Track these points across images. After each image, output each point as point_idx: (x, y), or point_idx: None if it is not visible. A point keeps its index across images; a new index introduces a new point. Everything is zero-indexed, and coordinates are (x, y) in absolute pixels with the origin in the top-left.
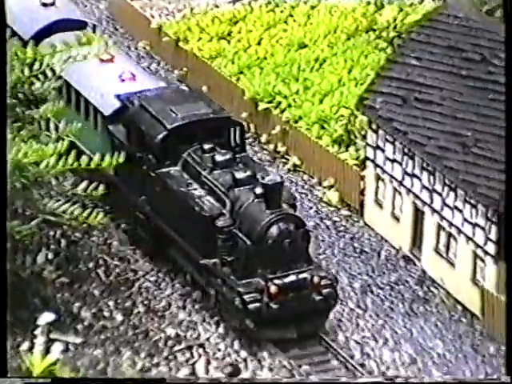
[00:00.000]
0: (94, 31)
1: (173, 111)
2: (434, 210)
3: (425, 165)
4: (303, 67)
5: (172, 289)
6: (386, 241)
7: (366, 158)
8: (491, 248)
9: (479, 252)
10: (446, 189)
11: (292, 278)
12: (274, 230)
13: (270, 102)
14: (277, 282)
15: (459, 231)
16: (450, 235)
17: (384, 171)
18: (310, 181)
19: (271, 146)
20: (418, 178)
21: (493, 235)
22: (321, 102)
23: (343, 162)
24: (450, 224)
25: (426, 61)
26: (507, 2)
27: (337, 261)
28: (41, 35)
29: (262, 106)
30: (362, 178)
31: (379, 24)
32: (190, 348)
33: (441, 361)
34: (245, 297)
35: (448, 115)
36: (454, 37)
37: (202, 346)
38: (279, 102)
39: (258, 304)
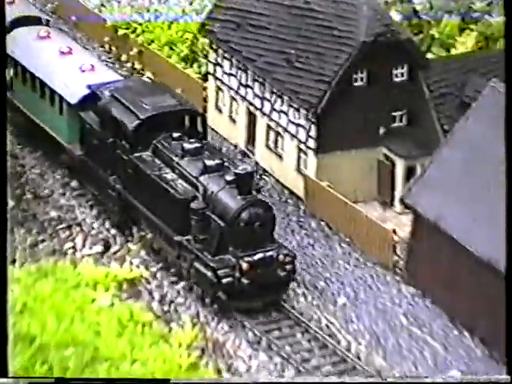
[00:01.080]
0: (47, 25)
1: (143, 102)
2: (264, 114)
3: (256, 77)
4: (153, 0)
5: (53, 179)
6: (226, 139)
7: (208, 73)
8: (311, 143)
9: (302, 147)
10: (274, 96)
11: (260, 256)
12: (245, 214)
13: (127, 29)
14: (247, 259)
15: (285, 130)
16: (277, 133)
17: (223, 83)
18: None
19: (129, 64)
20: (250, 87)
21: (313, 133)
22: (169, 28)
23: (188, 75)
24: (278, 124)
25: None
26: (507, 2)
27: None
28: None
29: (120, 31)
30: (205, 88)
31: None
32: (69, 227)
33: None
34: (218, 272)
35: (274, 37)
36: None
37: (79, 225)
38: (135, 29)
39: (230, 279)
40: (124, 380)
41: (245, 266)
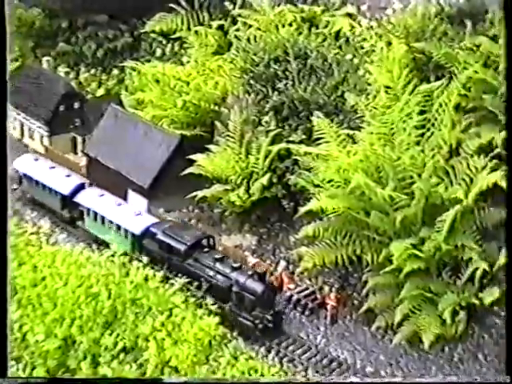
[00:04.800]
0: (83, 187)
1: (184, 235)
2: (28, 126)
3: (29, 115)
4: None
5: None
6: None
7: (15, 118)
8: (46, 133)
9: (43, 134)
10: (32, 119)
11: (273, 311)
12: (266, 293)
13: None
14: (268, 315)
15: (35, 130)
16: (33, 131)
17: (15, 118)
18: None
19: None
20: (27, 120)
21: (47, 130)
22: None
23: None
24: (33, 129)
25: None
26: (507, 2)
27: None
28: (74, 191)
29: None
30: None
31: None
32: None
33: None
34: (255, 321)
35: (32, 102)
36: None
37: None
38: None
39: (263, 324)
40: (123, 380)
41: (269, 317)
